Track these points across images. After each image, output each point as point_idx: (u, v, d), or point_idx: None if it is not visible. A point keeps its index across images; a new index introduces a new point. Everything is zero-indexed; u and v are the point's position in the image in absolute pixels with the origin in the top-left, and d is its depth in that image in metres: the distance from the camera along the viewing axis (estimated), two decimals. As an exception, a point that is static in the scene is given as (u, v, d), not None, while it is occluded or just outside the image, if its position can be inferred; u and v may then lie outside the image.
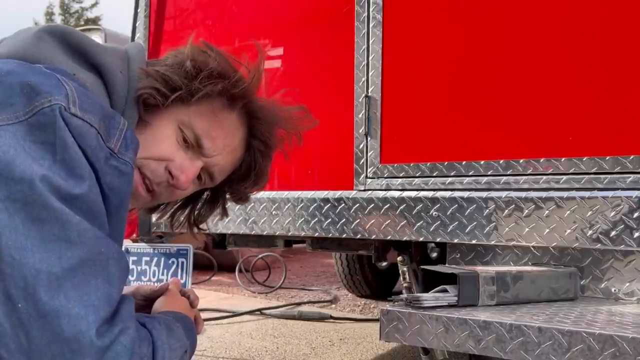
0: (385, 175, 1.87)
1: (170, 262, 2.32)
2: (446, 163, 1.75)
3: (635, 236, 1.43)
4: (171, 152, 1.07)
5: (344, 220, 1.89)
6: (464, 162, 1.73)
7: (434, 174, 1.77)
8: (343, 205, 1.90)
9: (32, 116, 0.81)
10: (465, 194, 1.68)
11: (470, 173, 1.71)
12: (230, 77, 1.10)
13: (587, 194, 1.51)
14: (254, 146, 1.20)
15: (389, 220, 1.80)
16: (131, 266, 2.34)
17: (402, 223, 1.77)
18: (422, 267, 1.57)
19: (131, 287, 1.23)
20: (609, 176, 1.50)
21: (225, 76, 1.09)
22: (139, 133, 1.02)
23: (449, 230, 1.69)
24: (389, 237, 1.80)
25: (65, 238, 0.79)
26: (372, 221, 1.83)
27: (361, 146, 1.92)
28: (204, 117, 1.09)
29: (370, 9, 1.92)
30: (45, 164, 0.80)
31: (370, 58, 1.91)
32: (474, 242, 1.66)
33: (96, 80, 0.98)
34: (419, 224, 1.74)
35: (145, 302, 1.19)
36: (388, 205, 1.80)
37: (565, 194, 1.53)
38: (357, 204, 1.87)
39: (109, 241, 0.86)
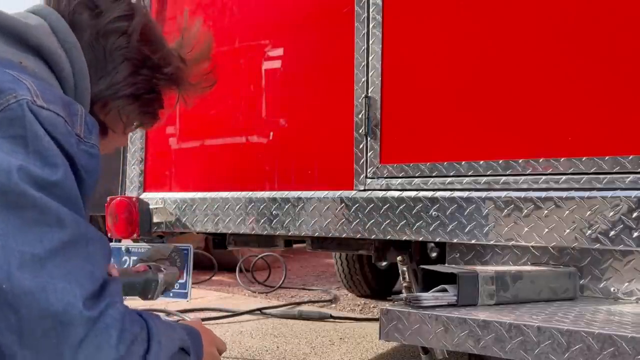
0: (385, 175, 1.87)
1: (170, 261, 2.33)
2: (445, 163, 1.76)
3: (634, 236, 1.43)
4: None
5: (343, 220, 1.90)
6: (463, 162, 1.73)
7: (434, 174, 1.77)
8: (343, 205, 1.90)
9: None
10: (465, 194, 1.68)
11: (470, 173, 1.71)
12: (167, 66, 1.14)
13: (586, 194, 1.51)
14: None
15: (388, 220, 1.80)
16: (132, 266, 2.35)
17: (402, 223, 1.78)
18: (421, 266, 1.57)
19: None
20: (608, 176, 1.51)
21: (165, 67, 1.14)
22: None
23: (448, 230, 1.70)
24: (388, 237, 1.81)
25: (45, 222, 0.82)
26: (372, 221, 1.84)
27: (361, 146, 1.92)
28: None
29: (370, 10, 1.92)
30: (19, 157, 0.82)
31: (370, 58, 1.91)
32: (473, 241, 1.66)
33: (40, 64, 0.97)
34: (418, 223, 1.75)
35: None
36: (388, 205, 1.81)
37: (564, 194, 1.54)
38: (357, 204, 1.87)
39: (87, 224, 0.89)
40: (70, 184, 0.87)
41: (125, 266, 2.20)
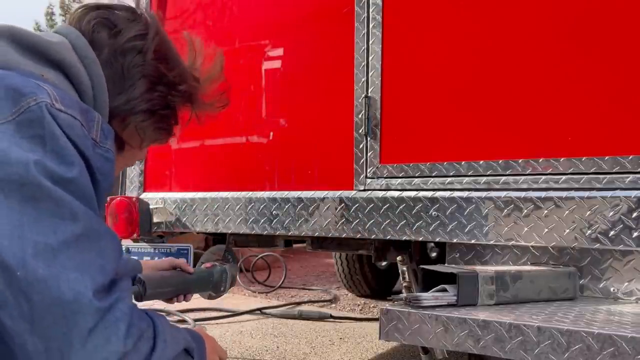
0: (385, 175, 1.87)
1: (170, 261, 2.32)
2: (445, 163, 1.76)
3: (634, 236, 1.43)
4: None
5: (344, 220, 1.90)
6: (463, 162, 1.73)
7: (434, 174, 1.77)
8: (343, 205, 1.90)
9: (19, 115, 0.86)
10: (465, 194, 1.68)
11: (470, 173, 1.71)
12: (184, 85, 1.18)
13: (586, 193, 1.51)
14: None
15: (388, 220, 1.80)
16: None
17: (402, 223, 1.78)
18: (421, 266, 1.57)
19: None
20: (608, 176, 1.51)
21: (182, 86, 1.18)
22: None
23: (448, 230, 1.70)
24: (388, 237, 1.81)
25: (60, 215, 0.84)
26: (372, 221, 1.84)
27: (361, 146, 1.92)
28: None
29: (370, 10, 1.92)
30: (37, 154, 0.85)
31: (370, 58, 1.92)
32: (473, 241, 1.66)
33: (60, 77, 1.01)
34: (418, 223, 1.75)
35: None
36: (387, 205, 1.81)
37: (564, 194, 1.54)
38: (357, 204, 1.87)
39: (100, 220, 0.92)
40: (85, 182, 0.90)
41: None
